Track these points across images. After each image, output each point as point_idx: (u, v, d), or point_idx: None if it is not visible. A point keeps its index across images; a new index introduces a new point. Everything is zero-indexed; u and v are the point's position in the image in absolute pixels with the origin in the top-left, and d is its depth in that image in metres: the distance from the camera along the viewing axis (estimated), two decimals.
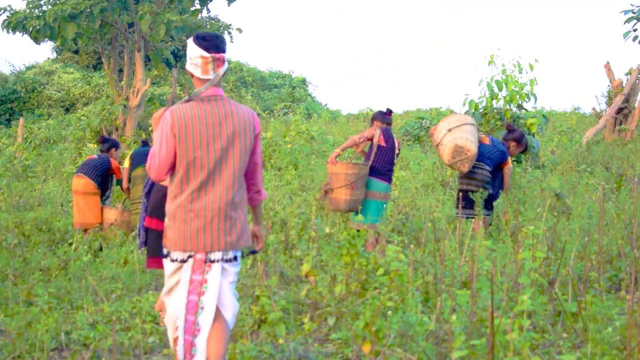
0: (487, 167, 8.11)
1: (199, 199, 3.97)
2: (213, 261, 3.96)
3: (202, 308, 3.95)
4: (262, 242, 4.36)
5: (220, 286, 3.97)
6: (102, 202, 9.54)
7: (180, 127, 3.97)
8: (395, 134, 19.40)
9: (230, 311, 4.01)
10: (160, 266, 5.37)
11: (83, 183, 9.36)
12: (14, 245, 7.74)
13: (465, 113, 13.11)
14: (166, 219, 4.07)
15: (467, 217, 8.03)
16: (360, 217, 7.88)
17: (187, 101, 4.05)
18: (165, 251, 4.07)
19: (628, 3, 21.42)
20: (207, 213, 3.96)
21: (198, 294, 3.95)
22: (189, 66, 4.10)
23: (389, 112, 8.27)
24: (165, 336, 5.22)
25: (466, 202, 8.00)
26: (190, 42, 4.08)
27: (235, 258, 4.04)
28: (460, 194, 8.09)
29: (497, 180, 8.33)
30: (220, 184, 3.99)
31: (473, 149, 7.89)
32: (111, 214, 9.43)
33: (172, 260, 4.02)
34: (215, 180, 3.99)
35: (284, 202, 10.10)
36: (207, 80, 4.06)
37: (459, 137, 7.92)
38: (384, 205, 8.06)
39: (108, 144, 9.82)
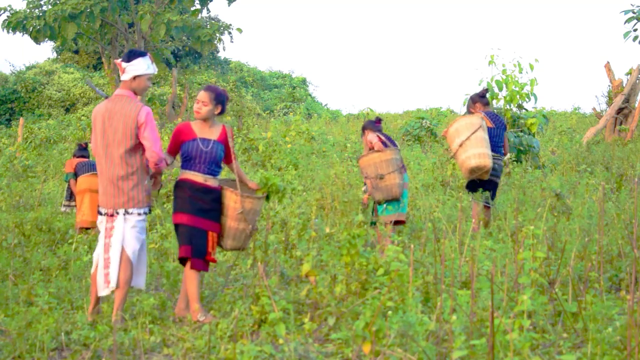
0: (502, 157, 8.40)
1: (102, 171, 5.65)
2: (116, 214, 5.60)
3: (111, 246, 5.59)
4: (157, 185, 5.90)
5: (124, 230, 5.59)
6: None
7: (93, 118, 5.72)
8: (396, 133, 19.43)
9: (130, 248, 5.61)
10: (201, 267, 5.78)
11: None
12: (14, 245, 7.75)
13: (465, 113, 13.10)
14: None
15: (486, 205, 8.40)
16: (390, 207, 8.10)
17: (106, 98, 5.87)
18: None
19: (628, 3, 21.43)
20: (104, 181, 5.64)
21: (109, 237, 5.60)
22: None
23: (379, 120, 8.53)
24: (164, 335, 5.22)
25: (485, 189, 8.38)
26: None
27: (131, 212, 5.59)
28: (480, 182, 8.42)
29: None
30: (110, 161, 5.60)
31: (488, 163, 8.15)
32: None
33: (99, 213, 5.71)
34: (107, 158, 5.61)
35: (284, 202, 10.09)
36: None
37: (472, 155, 8.17)
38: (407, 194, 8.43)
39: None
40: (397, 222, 8.17)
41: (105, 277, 5.56)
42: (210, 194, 5.80)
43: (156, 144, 5.59)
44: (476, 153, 8.14)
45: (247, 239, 5.95)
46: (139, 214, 5.64)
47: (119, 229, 5.58)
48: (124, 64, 5.70)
